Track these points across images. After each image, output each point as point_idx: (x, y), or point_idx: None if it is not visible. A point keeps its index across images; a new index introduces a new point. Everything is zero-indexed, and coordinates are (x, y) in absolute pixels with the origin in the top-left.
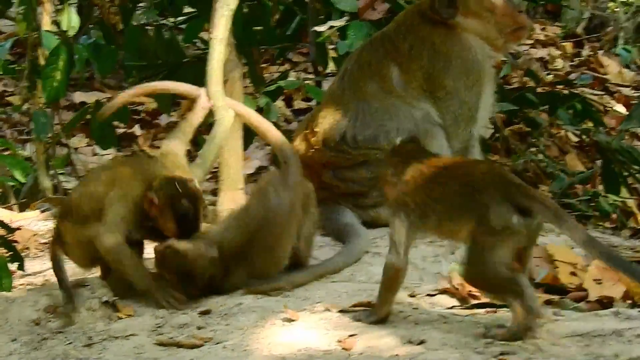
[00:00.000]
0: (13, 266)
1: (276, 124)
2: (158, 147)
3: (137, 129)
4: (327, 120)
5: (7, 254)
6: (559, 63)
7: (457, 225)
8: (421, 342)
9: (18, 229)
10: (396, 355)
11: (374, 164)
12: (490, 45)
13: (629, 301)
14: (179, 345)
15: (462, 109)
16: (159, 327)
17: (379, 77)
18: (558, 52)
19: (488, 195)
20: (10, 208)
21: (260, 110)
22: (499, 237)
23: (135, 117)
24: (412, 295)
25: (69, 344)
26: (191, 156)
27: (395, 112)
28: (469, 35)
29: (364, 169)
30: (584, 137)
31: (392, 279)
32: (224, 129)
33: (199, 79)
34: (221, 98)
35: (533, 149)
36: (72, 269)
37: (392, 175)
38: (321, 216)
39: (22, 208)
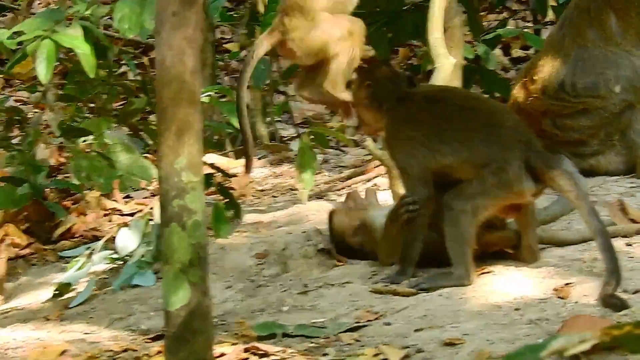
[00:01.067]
0: (229, 214)
1: (494, 73)
2: None
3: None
4: (546, 68)
5: (224, 201)
6: None
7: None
8: (636, 292)
9: (234, 175)
10: None
11: (593, 113)
12: None
13: None
14: (395, 293)
15: None
16: (374, 274)
17: (597, 24)
18: None
19: (512, 154)
20: (226, 155)
21: (478, 58)
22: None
23: None
24: (628, 244)
25: (284, 291)
26: None
27: (615, 60)
28: None
29: (584, 117)
30: None
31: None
32: (444, 77)
33: (419, 27)
34: (442, 45)
35: None
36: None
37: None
38: None
39: (239, 155)
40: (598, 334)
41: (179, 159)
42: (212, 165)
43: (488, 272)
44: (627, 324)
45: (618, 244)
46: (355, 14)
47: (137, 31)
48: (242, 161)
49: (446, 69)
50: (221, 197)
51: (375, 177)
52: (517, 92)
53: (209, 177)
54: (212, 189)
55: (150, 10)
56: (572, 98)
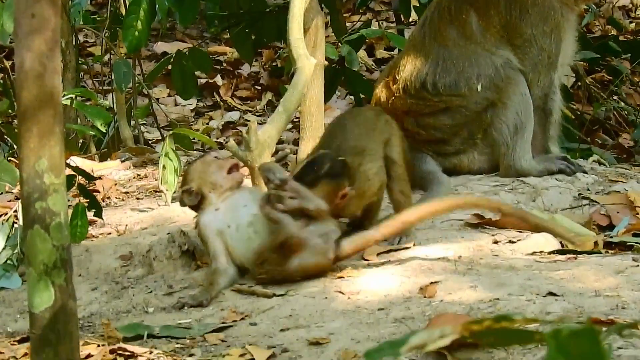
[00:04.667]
0: (94, 216)
1: (358, 73)
2: (239, 98)
3: (218, 79)
4: (408, 67)
5: (86, 202)
6: None
7: None
8: (501, 289)
9: (99, 178)
10: (479, 300)
11: (455, 111)
12: None
13: None
14: (257, 294)
15: (541, 55)
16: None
17: (458, 23)
18: None
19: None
20: (91, 158)
21: (342, 59)
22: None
23: (217, 67)
24: (495, 242)
25: (150, 292)
26: (273, 105)
27: (476, 59)
28: None
29: (445, 116)
30: None
31: None
32: (305, 77)
33: (283, 29)
34: (302, 46)
35: (615, 97)
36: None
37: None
38: None
39: (103, 158)
40: (458, 329)
41: (40, 161)
42: (74, 168)
43: (353, 272)
44: (487, 319)
45: (483, 242)
46: (219, 15)
47: None
48: (108, 163)
49: (307, 69)
50: (84, 200)
51: None
52: (380, 92)
53: (71, 178)
54: (76, 191)
55: (10, 12)
56: (433, 97)
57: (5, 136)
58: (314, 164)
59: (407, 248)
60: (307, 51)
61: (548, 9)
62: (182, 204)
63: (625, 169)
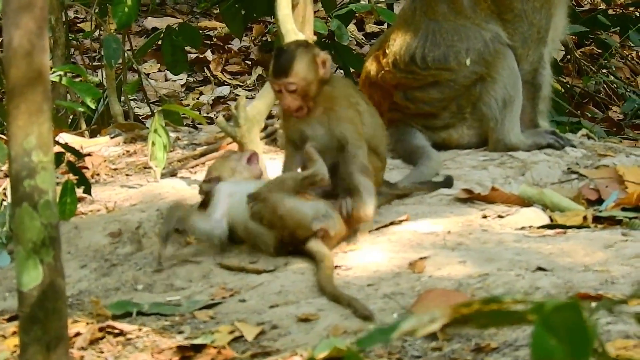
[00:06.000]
0: (83, 192)
1: (348, 48)
2: (229, 73)
3: (209, 54)
4: (398, 41)
5: (75, 179)
6: None
7: None
8: (491, 264)
9: (88, 154)
10: (468, 275)
11: (444, 85)
12: None
13: None
14: (247, 270)
15: (531, 30)
16: (227, 251)
17: None
18: None
19: None
20: (81, 134)
21: (331, 33)
22: None
23: (207, 42)
24: (484, 217)
25: (139, 269)
26: (263, 80)
27: (465, 33)
28: None
29: (434, 90)
30: None
31: None
32: None
33: (271, 3)
34: (290, 22)
35: (604, 71)
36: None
37: None
38: (392, 138)
39: (93, 134)
40: (448, 312)
41: (28, 139)
42: (63, 145)
43: (342, 247)
44: (476, 301)
45: (473, 217)
46: None
47: None
48: (97, 139)
49: None
50: (73, 177)
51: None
52: (370, 65)
53: (60, 156)
54: (65, 168)
55: None
56: (422, 70)
57: None
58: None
59: (398, 223)
60: (296, 26)
61: None
62: (200, 192)
63: (614, 142)
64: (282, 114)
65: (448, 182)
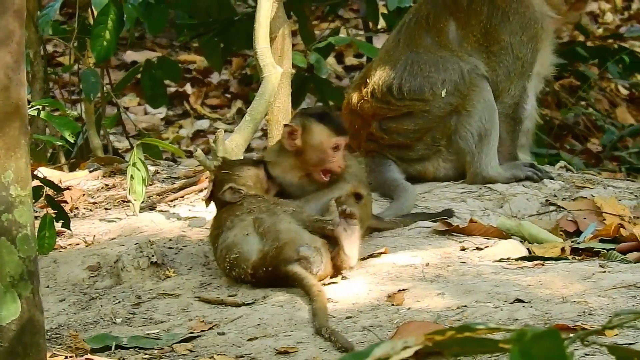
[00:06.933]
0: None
1: (327, 81)
2: (208, 106)
3: (188, 88)
4: (378, 72)
5: (54, 213)
6: (609, 16)
7: None
8: (469, 296)
9: (67, 188)
10: (447, 308)
11: (418, 116)
12: (552, 8)
13: None
14: (226, 303)
15: (515, 64)
16: (206, 284)
17: (435, 31)
18: (608, 6)
19: None
20: (60, 168)
21: (311, 67)
22: None
23: (187, 75)
24: (462, 249)
25: (117, 303)
26: (242, 113)
27: (444, 64)
28: None
29: (408, 121)
30: (634, 90)
31: None
32: (271, 86)
33: (251, 36)
34: (268, 55)
35: (583, 103)
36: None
37: None
38: (367, 168)
39: (72, 168)
40: (422, 339)
41: (6, 173)
42: (42, 179)
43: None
44: (451, 329)
45: (451, 249)
46: (188, 24)
47: None
48: (76, 173)
49: (273, 78)
50: (52, 211)
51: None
52: (352, 93)
53: (38, 190)
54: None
55: None
56: (397, 101)
57: None
58: None
59: (377, 255)
60: (274, 60)
61: (529, 19)
62: (224, 198)
63: (592, 174)
64: (299, 171)
65: (448, 214)
